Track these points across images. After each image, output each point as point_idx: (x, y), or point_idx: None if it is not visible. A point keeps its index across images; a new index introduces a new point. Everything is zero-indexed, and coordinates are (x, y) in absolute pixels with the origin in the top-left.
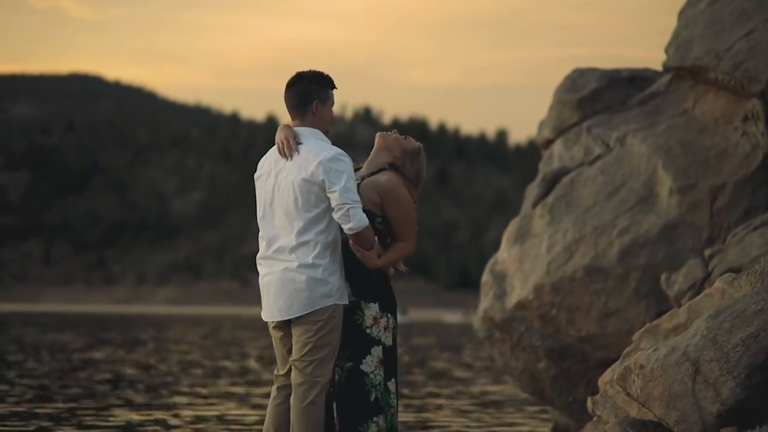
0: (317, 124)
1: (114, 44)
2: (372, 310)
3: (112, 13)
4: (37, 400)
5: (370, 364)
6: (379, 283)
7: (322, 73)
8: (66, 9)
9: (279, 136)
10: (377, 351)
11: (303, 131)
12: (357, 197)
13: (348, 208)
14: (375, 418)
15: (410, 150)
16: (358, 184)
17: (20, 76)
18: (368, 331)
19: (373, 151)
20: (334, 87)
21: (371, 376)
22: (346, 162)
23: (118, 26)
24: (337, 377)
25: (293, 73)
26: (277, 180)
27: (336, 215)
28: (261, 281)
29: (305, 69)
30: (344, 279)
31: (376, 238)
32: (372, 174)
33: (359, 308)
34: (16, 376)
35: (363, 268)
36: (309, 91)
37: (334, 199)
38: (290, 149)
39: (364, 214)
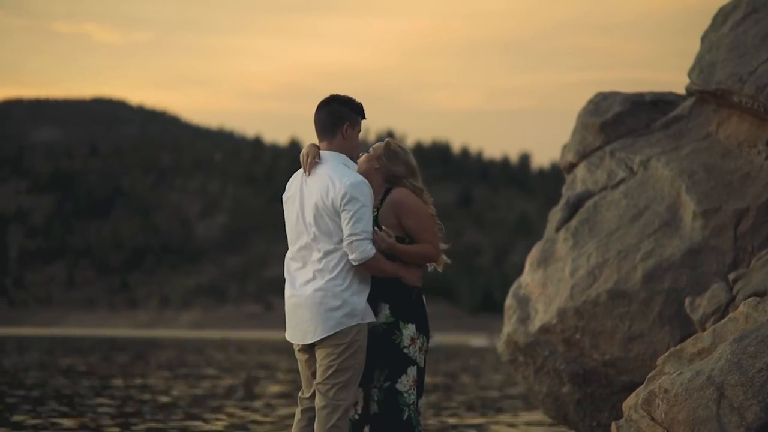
0: (345, 148)
1: (137, 69)
2: (410, 330)
3: (136, 38)
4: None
5: (405, 383)
6: (417, 304)
7: (356, 99)
8: (90, 34)
9: (303, 152)
10: (412, 371)
11: (329, 155)
12: (367, 228)
13: (353, 240)
14: None
15: (380, 154)
16: (376, 216)
17: (44, 101)
18: (405, 350)
19: None
20: (364, 117)
21: (405, 395)
22: (365, 191)
23: (141, 51)
24: (375, 397)
25: (325, 96)
26: (302, 202)
27: (343, 245)
28: (287, 302)
29: (335, 93)
30: (366, 299)
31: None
32: (382, 199)
33: (397, 328)
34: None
35: (403, 289)
36: (342, 112)
37: (344, 227)
38: (311, 165)
39: (371, 246)
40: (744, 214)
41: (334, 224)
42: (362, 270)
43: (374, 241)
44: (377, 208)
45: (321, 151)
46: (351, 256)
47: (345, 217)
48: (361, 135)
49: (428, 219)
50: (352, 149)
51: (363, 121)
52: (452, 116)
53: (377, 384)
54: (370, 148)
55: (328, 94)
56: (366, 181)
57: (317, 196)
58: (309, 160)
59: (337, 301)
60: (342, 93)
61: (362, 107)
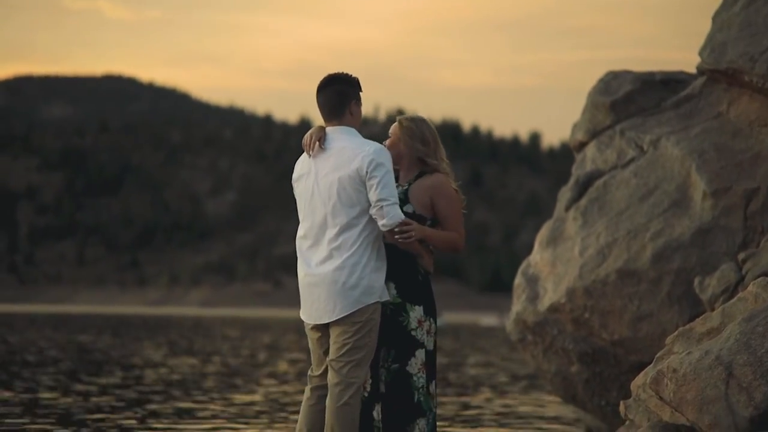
0: (353, 124)
1: (148, 46)
2: (417, 312)
3: (147, 15)
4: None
5: (414, 366)
6: (424, 286)
7: (352, 75)
8: (101, 10)
9: (307, 134)
10: (420, 354)
11: (340, 129)
12: (394, 193)
13: (383, 205)
14: (418, 420)
15: (395, 135)
16: (406, 190)
17: (55, 78)
18: (413, 333)
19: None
20: (361, 89)
21: (415, 378)
22: (389, 157)
23: (152, 28)
24: (382, 377)
25: (323, 76)
26: (317, 179)
27: (372, 211)
28: (301, 282)
29: (335, 72)
30: (384, 277)
31: (413, 233)
32: (417, 177)
33: (404, 310)
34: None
35: (410, 270)
36: (347, 91)
37: (372, 194)
38: (312, 146)
39: (400, 211)
40: (754, 194)
41: (358, 193)
42: (380, 246)
43: (403, 230)
44: (408, 183)
45: (329, 128)
46: (381, 221)
47: (372, 183)
48: (371, 113)
49: (460, 208)
50: (358, 124)
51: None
52: (462, 94)
53: (384, 364)
54: (389, 134)
55: (325, 75)
56: (384, 147)
57: (341, 170)
58: (312, 140)
59: (356, 279)
60: (351, 71)
61: (359, 81)
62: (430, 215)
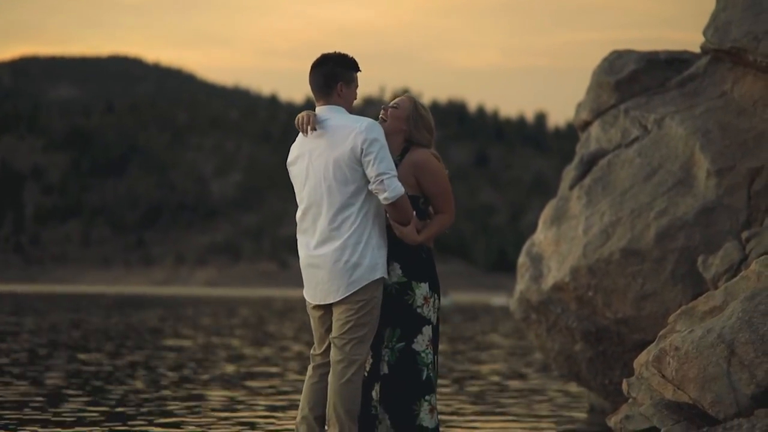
0: (342, 104)
1: (154, 26)
2: (422, 290)
3: None
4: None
5: (422, 343)
6: (428, 263)
7: (347, 55)
8: None
9: (298, 116)
10: (427, 330)
11: (328, 108)
12: (392, 166)
13: (383, 179)
14: (427, 397)
15: (408, 116)
16: None
17: (60, 59)
18: (419, 310)
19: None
20: (358, 70)
21: (423, 354)
22: (381, 131)
23: (158, 8)
24: (386, 358)
25: (318, 55)
26: (311, 160)
27: (372, 186)
28: (302, 263)
29: (332, 51)
30: (386, 254)
31: (414, 212)
32: (400, 158)
33: (410, 288)
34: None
35: (414, 248)
36: (334, 72)
37: (370, 170)
38: (307, 123)
39: (400, 184)
40: (758, 173)
41: (353, 172)
42: (381, 224)
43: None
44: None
45: (319, 108)
46: (383, 195)
47: (368, 159)
48: (377, 93)
49: (447, 183)
50: (349, 105)
51: (360, 74)
52: (468, 75)
53: (388, 344)
54: (394, 103)
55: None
56: (376, 122)
57: (334, 149)
58: (305, 120)
59: (358, 258)
60: (357, 51)
61: (355, 62)
62: (418, 193)
